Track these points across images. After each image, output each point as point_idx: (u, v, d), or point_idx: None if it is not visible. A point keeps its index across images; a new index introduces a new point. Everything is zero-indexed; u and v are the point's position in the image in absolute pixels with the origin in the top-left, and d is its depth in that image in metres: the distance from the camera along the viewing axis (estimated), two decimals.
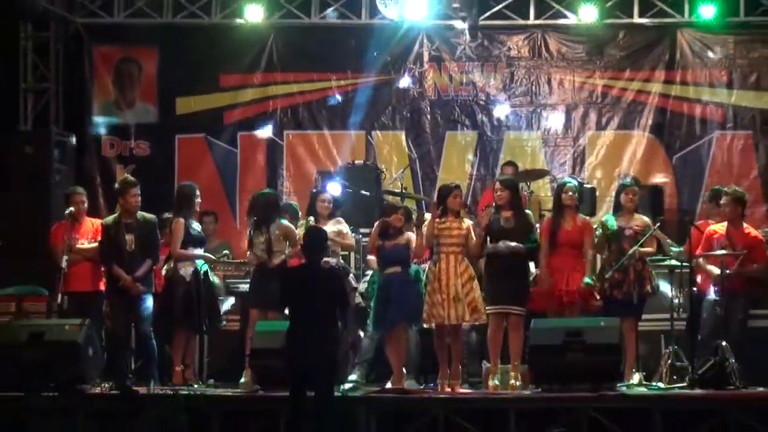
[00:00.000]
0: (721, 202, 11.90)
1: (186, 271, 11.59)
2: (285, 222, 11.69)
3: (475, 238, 11.18)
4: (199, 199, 11.99)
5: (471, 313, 11.09)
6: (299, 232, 11.50)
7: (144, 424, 10.06)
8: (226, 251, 12.54)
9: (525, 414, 10.43)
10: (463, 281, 11.07)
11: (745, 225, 11.82)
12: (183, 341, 11.69)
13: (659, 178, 14.72)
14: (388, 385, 11.15)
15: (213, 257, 12.17)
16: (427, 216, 11.66)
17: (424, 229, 11.35)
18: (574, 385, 10.65)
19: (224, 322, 12.27)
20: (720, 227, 11.73)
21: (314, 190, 12.92)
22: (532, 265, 11.64)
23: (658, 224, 11.81)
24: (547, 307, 11.47)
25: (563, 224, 11.50)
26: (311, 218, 11.88)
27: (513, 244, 11.14)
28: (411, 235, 11.31)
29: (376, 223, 11.33)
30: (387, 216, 11.33)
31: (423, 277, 11.27)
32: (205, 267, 11.78)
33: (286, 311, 10.95)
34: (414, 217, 12.38)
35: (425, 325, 11.25)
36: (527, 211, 11.73)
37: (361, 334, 11.92)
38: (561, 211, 11.58)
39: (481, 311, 11.10)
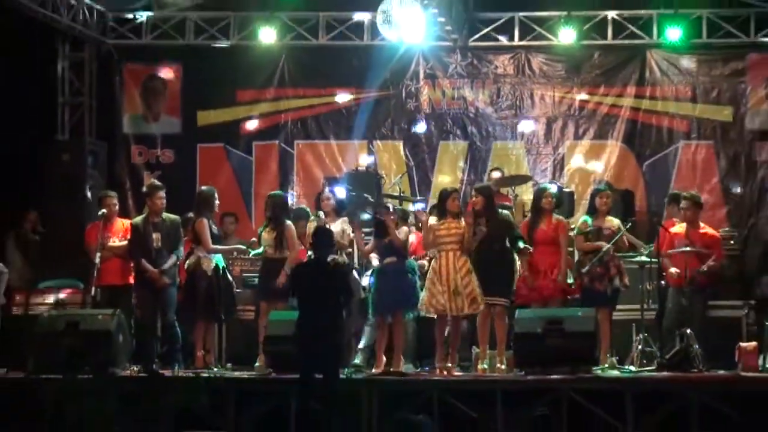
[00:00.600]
0: (681, 205, 11.92)
1: (208, 266, 11.59)
2: (288, 222, 11.72)
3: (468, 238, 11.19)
4: (217, 201, 11.99)
5: (470, 304, 11.05)
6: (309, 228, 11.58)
7: (169, 403, 10.05)
8: (254, 239, 12.48)
9: (510, 394, 10.43)
10: (461, 275, 11.03)
11: (701, 225, 11.83)
12: (203, 329, 11.69)
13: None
14: (376, 370, 11.18)
15: (243, 247, 12.20)
16: (431, 220, 11.61)
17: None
18: (554, 369, 10.65)
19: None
20: (679, 228, 11.76)
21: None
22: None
23: (629, 225, 11.82)
24: (530, 299, 11.51)
25: (540, 225, 11.53)
26: (321, 213, 11.92)
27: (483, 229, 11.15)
28: (404, 229, 11.40)
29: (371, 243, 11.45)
30: (379, 219, 11.37)
31: (417, 270, 11.35)
32: (223, 263, 11.77)
33: (292, 302, 11.03)
34: (411, 218, 12.42)
35: (424, 313, 11.27)
36: (505, 212, 11.75)
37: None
38: (539, 214, 11.62)
39: (479, 301, 11.04)
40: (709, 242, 11.72)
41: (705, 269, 11.52)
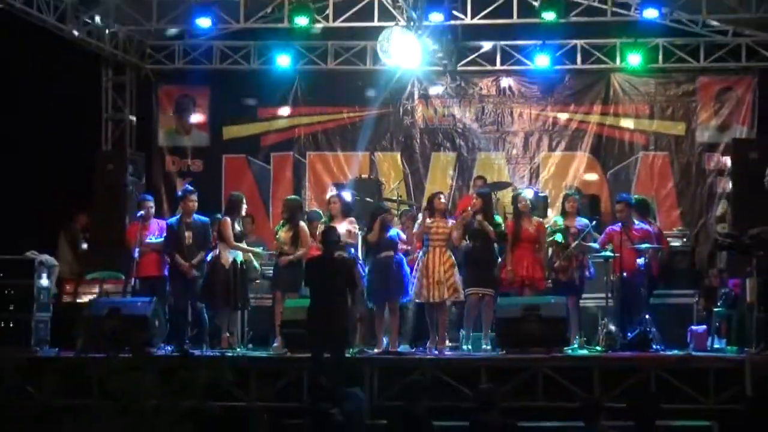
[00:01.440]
0: (616, 208, 11.90)
1: (225, 260, 11.55)
2: (302, 224, 11.71)
3: (456, 232, 11.26)
4: (244, 206, 11.99)
5: (451, 293, 11.15)
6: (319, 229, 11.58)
7: (198, 378, 10.01)
8: (261, 248, 12.49)
9: (493, 371, 10.43)
10: (445, 268, 11.13)
11: (636, 222, 11.75)
12: (227, 315, 11.63)
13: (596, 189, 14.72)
14: (377, 350, 11.18)
15: (259, 251, 12.15)
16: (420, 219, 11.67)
17: (416, 228, 11.59)
18: (531, 349, 10.66)
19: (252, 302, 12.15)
20: (616, 227, 11.66)
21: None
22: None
23: (594, 223, 11.82)
24: (510, 288, 11.50)
25: (523, 226, 11.55)
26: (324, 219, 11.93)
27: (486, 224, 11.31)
28: (396, 229, 11.54)
29: (377, 224, 11.32)
30: (377, 216, 11.38)
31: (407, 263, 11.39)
32: (240, 257, 11.71)
33: (303, 291, 11.02)
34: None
35: (416, 300, 11.32)
36: (496, 215, 11.79)
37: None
38: (519, 216, 11.63)
39: (459, 291, 11.16)
40: (645, 237, 11.65)
41: (645, 260, 11.47)
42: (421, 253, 11.32)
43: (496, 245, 11.46)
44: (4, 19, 12.59)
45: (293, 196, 12.80)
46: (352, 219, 11.83)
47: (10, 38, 13.23)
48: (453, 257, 11.21)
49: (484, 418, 8.08)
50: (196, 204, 11.89)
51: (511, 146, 15.10)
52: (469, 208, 11.58)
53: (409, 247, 11.81)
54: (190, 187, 12.43)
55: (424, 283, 11.12)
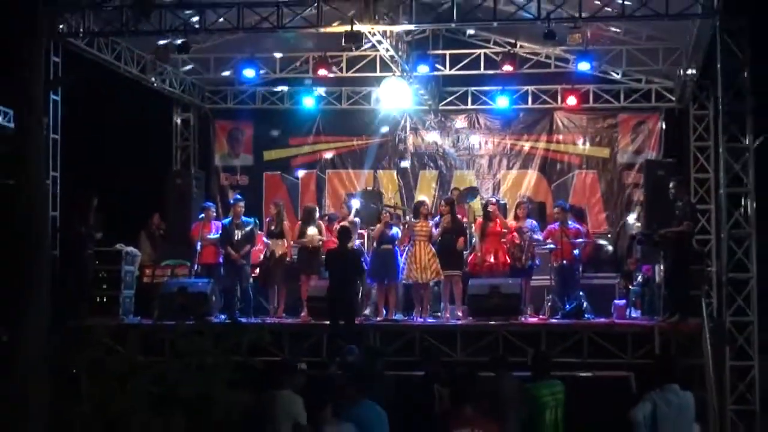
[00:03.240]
0: (554, 211, 11.96)
1: (261, 251, 11.55)
2: (319, 221, 11.83)
3: (434, 234, 11.34)
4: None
5: (434, 275, 11.18)
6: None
7: (245, 340, 9.98)
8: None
9: (465, 334, 10.43)
10: (428, 257, 11.16)
11: (569, 222, 11.74)
12: (271, 291, 11.62)
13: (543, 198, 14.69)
14: (378, 318, 11.19)
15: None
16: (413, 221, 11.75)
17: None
18: (494, 317, 10.65)
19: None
20: (555, 226, 11.65)
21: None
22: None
23: (536, 224, 11.81)
24: (480, 271, 11.49)
25: (490, 224, 11.54)
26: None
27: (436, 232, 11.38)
28: (397, 228, 11.56)
29: (377, 227, 11.47)
30: (378, 222, 11.48)
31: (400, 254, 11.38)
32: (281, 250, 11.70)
33: (324, 274, 11.03)
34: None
35: (404, 281, 11.35)
36: (458, 216, 11.80)
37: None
38: (488, 216, 11.63)
39: (440, 273, 11.19)
40: (577, 234, 11.65)
41: (579, 251, 11.48)
42: (409, 246, 11.36)
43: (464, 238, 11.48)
44: (102, 74, 12.63)
45: (309, 204, 12.85)
46: (320, 223, 11.94)
47: (106, 86, 13.24)
48: (433, 248, 11.24)
49: (427, 367, 8.19)
50: (243, 209, 11.91)
51: (479, 166, 15.07)
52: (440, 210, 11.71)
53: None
54: (239, 197, 12.49)
55: (412, 268, 11.17)
